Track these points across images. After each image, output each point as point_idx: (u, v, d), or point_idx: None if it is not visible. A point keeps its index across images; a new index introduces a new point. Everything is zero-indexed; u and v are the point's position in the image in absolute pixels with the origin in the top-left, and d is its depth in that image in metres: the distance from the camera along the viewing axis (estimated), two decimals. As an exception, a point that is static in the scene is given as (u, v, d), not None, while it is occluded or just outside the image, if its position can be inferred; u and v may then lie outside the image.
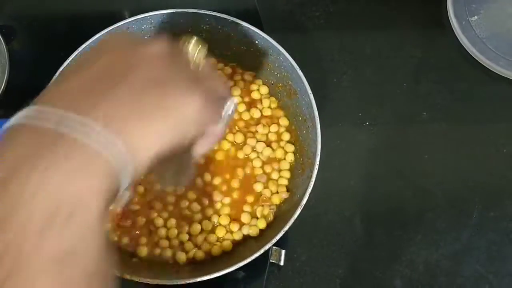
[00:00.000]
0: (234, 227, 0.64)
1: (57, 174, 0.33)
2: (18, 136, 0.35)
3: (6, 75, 0.74)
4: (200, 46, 0.42)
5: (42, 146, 0.34)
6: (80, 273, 0.33)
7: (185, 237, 0.64)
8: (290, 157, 0.67)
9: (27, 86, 0.73)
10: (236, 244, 0.64)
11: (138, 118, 0.36)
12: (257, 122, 0.68)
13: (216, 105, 0.42)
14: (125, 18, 0.65)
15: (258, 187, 0.66)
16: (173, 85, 0.38)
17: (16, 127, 0.36)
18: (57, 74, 0.60)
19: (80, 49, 0.64)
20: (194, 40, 0.42)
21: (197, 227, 0.64)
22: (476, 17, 0.80)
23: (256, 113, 0.68)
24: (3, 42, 0.75)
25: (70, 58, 0.64)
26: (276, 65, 0.66)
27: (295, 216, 0.58)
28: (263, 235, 0.63)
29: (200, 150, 0.44)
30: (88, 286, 0.34)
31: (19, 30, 0.79)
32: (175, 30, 0.68)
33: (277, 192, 0.66)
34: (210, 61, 0.44)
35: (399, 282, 0.70)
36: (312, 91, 0.63)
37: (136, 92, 0.37)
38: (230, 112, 0.43)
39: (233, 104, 0.44)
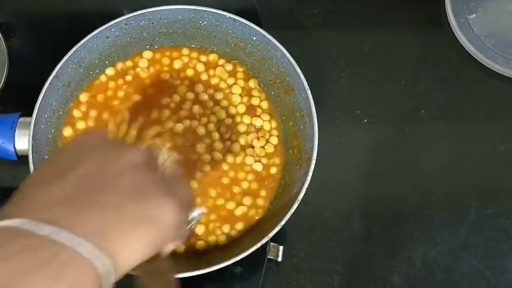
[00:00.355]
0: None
1: None
2: (10, 246, 0.34)
3: (5, 72, 0.75)
4: (170, 154, 0.46)
5: (37, 261, 0.33)
6: None
7: None
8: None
9: (26, 83, 0.75)
10: (233, 239, 0.65)
11: (123, 230, 0.37)
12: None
13: (187, 210, 0.45)
14: (124, 14, 0.66)
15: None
16: (152, 194, 0.40)
17: (8, 231, 0.35)
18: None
19: (78, 45, 0.64)
20: (165, 148, 0.46)
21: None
22: (474, 15, 0.80)
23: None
24: (2, 39, 0.76)
25: (68, 55, 0.64)
26: (274, 61, 0.67)
27: (292, 210, 0.59)
28: (260, 229, 0.63)
29: (167, 249, 0.45)
30: None
31: (19, 27, 0.79)
32: (173, 26, 0.68)
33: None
34: (177, 169, 0.46)
35: (396, 279, 0.70)
36: (310, 88, 0.63)
37: (120, 203, 0.38)
38: (197, 215, 0.47)
39: (200, 210, 0.48)
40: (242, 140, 0.67)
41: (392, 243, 0.72)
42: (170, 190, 0.41)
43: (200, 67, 0.70)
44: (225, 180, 0.66)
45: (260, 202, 0.66)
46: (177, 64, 0.70)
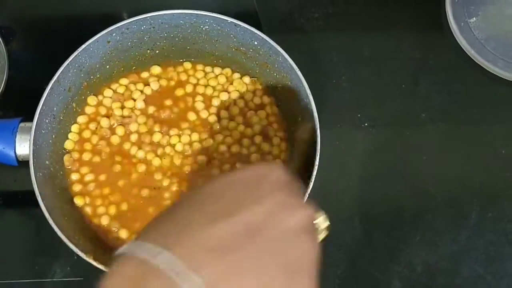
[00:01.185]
0: None
1: None
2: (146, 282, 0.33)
3: (5, 76, 0.74)
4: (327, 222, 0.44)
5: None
6: None
7: None
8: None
9: (26, 87, 0.75)
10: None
11: None
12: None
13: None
14: (124, 19, 0.65)
15: None
16: (304, 273, 0.38)
17: (142, 266, 0.34)
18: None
19: (79, 49, 0.64)
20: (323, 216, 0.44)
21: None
22: (474, 18, 0.80)
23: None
24: (2, 43, 0.76)
25: (69, 60, 0.64)
26: (275, 66, 0.66)
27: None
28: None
29: None
30: None
31: (19, 31, 0.79)
32: (175, 31, 0.68)
33: None
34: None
35: (397, 283, 0.70)
36: (311, 92, 0.63)
37: (272, 276, 0.35)
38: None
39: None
40: None
41: (393, 247, 0.72)
42: (316, 263, 0.39)
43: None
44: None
45: None
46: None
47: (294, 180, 0.42)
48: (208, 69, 0.72)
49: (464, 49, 0.79)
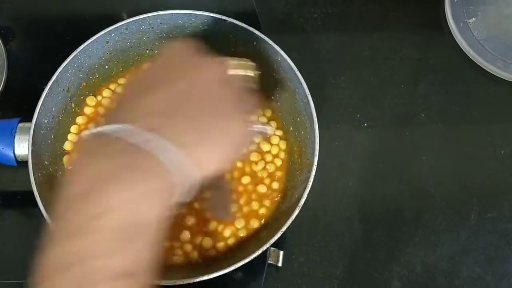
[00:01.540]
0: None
1: (134, 193, 0.37)
2: (105, 147, 0.39)
3: (4, 76, 0.75)
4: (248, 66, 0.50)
5: (126, 162, 0.38)
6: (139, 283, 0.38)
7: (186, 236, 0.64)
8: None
9: (25, 87, 0.75)
10: (233, 245, 0.64)
11: (205, 140, 0.42)
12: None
13: (251, 119, 0.51)
14: (124, 19, 0.66)
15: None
16: (227, 109, 0.45)
17: (104, 139, 0.40)
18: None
19: (78, 50, 0.64)
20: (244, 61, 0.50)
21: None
22: (473, 19, 0.80)
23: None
24: (1, 43, 0.76)
25: (68, 60, 0.64)
26: (274, 66, 0.66)
27: (293, 216, 0.58)
28: (261, 236, 0.63)
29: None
30: None
31: (18, 31, 0.79)
32: (174, 31, 0.68)
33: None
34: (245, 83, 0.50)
35: (397, 283, 0.70)
36: (310, 92, 0.63)
37: (203, 116, 0.43)
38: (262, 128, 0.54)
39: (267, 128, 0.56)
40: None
41: (392, 247, 0.72)
42: (239, 103, 0.46)
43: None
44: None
45: (263, 211, 0.66)
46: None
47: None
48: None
49: (463, 49, 0.79)
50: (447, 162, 0.75)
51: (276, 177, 0.67)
